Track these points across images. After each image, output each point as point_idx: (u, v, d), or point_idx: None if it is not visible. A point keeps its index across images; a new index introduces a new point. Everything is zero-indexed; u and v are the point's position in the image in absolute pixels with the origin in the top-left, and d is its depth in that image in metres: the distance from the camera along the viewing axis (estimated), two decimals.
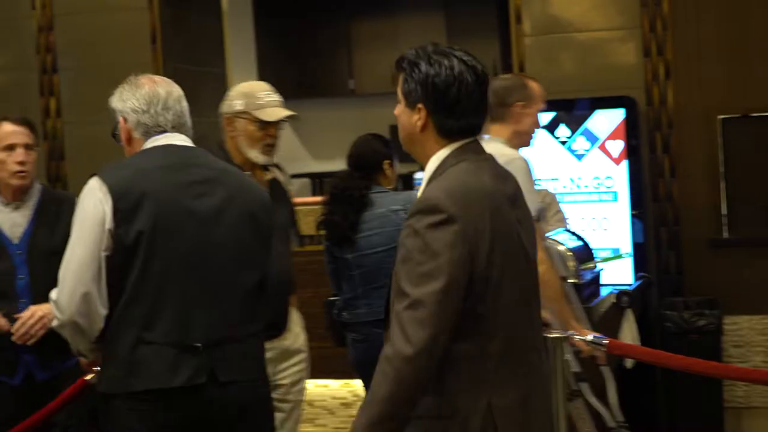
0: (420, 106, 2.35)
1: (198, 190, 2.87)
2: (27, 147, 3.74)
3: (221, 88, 7.10)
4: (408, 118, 2.39)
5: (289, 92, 9.43)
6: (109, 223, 2.75)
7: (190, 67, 6.43)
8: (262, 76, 9.06)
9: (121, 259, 2.75)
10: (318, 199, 6.83)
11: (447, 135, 2.33)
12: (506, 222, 2.30)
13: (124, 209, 2.76)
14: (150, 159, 2.88)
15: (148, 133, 2.93)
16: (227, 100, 3.77)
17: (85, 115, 6.16)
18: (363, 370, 4.37)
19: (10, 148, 3.70)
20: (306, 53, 9.39)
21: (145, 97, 2.96)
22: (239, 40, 8.92)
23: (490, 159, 2.40)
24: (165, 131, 2.93)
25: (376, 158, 4.26)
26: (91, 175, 2.87)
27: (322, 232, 4.37)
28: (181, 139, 2.97)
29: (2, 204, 3.74)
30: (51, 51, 6.17)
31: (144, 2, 6.03)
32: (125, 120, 2.96)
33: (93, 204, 2.77)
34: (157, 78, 3.07)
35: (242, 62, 9.00)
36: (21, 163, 3.69)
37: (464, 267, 2.21)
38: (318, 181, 9.37)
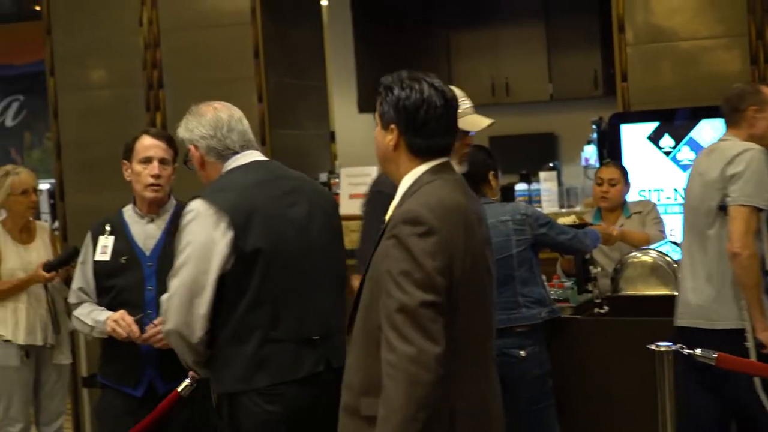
0: (393, 126, 2.51)
1: (289, 199, 3.14)
2: (162, 161, 3.77)
3: (322, 100, 7.20)
4: (382, 138, 2.55)
5: None
6: (225, 242, 2.96)
7: (292, 80, 6.52)
8: (361, 88, 9.13)
9: (241, 270, 2.98)
10: None
11: (418, 154, 2.51)
12: (476, 238, 2.48)
13: (239, 226, 2.97)
14: (244, 177, 3.11)
15: (222, 156, 3.16)
16: None
17: None
18: None
19: (147, 161, 3.76)
20: (405, 64, 9.34)
21: (210, 123, 3.17)
22: (339, 52, 9.00)
23: (461, 179, 2.58)
24: (236, 152, 3.16)
25: (482, 170, 4.30)
26: (191, 199, 3.03)
27: None
28: (258, 155, 3.21)
29: (138, 216, 3.81)
30: (157, 67, 6.32)
31: (247, 17, 6.13)
32: (196, 147, 3.17)
33: (204, 226, 2.97)
34: (217, 104, 3.25)
35: (342, 74, 9.08)
36: (155, 177, 3.74)
37: (446, 276, 2.38)
38: None
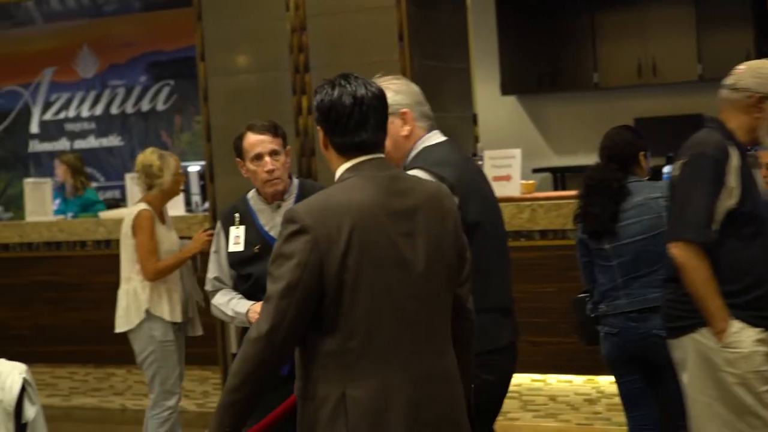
0: (319, 127, 2.71)
1: (483, 176, 3.41)
2: (273, 154, 3.84)
3: (465, 83, 7.20)
4: (319, 136, 2.74)
5: (530, 86, 9.54)
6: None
7: (436, 63, 6.54)
8: (504, 71, 9.09)
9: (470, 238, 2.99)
10: (560, 193, 6.80)
11: (341, 152, 2.66)
12: (379, 233, 2.58)
13: (463, 198, 3.06)
14: (451, 153, 3.21)
15: (428, 125, 3.23)
16: (760, 78, 3.57)
17: None
18: (614, 365, 4.34)
19: (258, 158, 3.83)
20: (549, 47, 9.34)
21: (417, 92, 3.23)
22: (481, 35, 8.98)
23: (388, 176, 2.65)
24: (432, 126, 3.25)
25: (631, 149, 4.29)
26: (409, 168, 3.09)
27: (577, 226, 4.38)
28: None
29: (264, 203, 3.90)
30: (303, 51, 6.42)
31: (392, 1, 6.16)
32: (411, 111, 3.18)
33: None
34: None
35: (485, 57, 9.06)
36: (269, 172, 3.82)
37: (312, 272, 2.53)
38: (560, 176, 9.30)
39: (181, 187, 5.54)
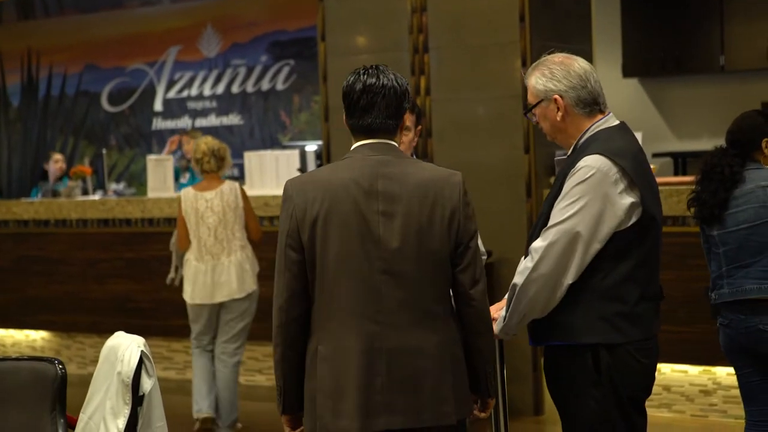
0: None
1: None
2: (404, 128, 3.90)
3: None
4: None
5: (653, 69, 9.32)
6: (626, 204, 3.06)
7: (557, 44, 6.40)
8: (626, 52, 8.91)
9: (635, 231, 3.08)
10: (681, 179, 6.64)
11: (352, 132, 3.00)
12: (351, 208, 2.86)
13: (642, 190, 3.09)
14: (626, 141, 3.16)
15: (591, 109, 3.17)
16: None
17: (453, 93, 6.35)
18: (730, 357, 4.23)
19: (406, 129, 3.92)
20: (673, 28, 9.11)
21: (579, 74, 3.18)
22: (604, 16, 8.81)
23: (379, 160, 2.91)
24: (602, 109, 3.19)
25: (753, 134, 4.13)
26: (593, 153, 3.06)
27: (691, 211, 4.27)
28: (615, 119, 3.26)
29: None
30: (423, 31, 6.40)
31: None
32: (561, 98, 3.16)
33: (604, 185, 3.05)
34: (571, 56, 3.26)
35: (607, 38, 8.88)
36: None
37: (293, 237, 2.90)
38: (681, 161, 9.08)
39: None
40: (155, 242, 7.58)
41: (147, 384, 2.99)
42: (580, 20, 6.78)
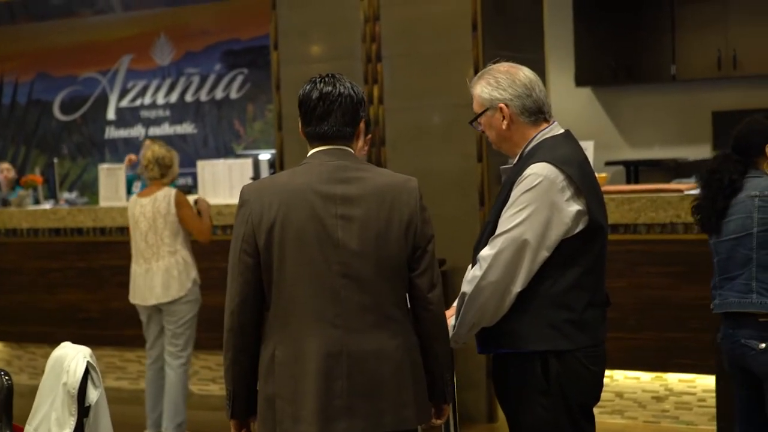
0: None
1: None
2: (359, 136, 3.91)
3: (539, 74, 7.08)
4: None
5: (605, 78, 9.39)
6: (573, 211, 3.07)
7: (510, 53, 6.44)
8: (579, 62, 8.98)
9: (581, 239, 3.10)
10: (632, 187, 6.69)
11: (308, 139, 3.02)
12: (307, 213, 2.88)
13: (588, 198, 3.10)
14: (570, 149, 3.18)
15: (535, 118, 3.18)
16: None
17: (406, 102, 6.35)
18: (729, 372, 4.10)
19: None
20: (625, 38, 9.19)
21: (524, 83, 3.19)
22: (557, 25, 8.87)
23: (337, 165, 2.94)
24: (546, 117, 3.20)
25: (755, 139, 3.95)
26: (540, 161, 3.08)
27: (696, 218, 4.12)
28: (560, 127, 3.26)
29: None
30: (376, 40, 6.40)
31: None
32: (507, 106, 3.17)
33: (551, 193, 3.06)
34: (514, 65, 3.26)
35: (560, 47, 8.94)
36: None
37: (248, 242, 2.91)
38: (633, 169, 9.16)
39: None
40: (107, 251, 7.52)
41: (93, 395, 2.96)
42: (533, 29, 6.82)
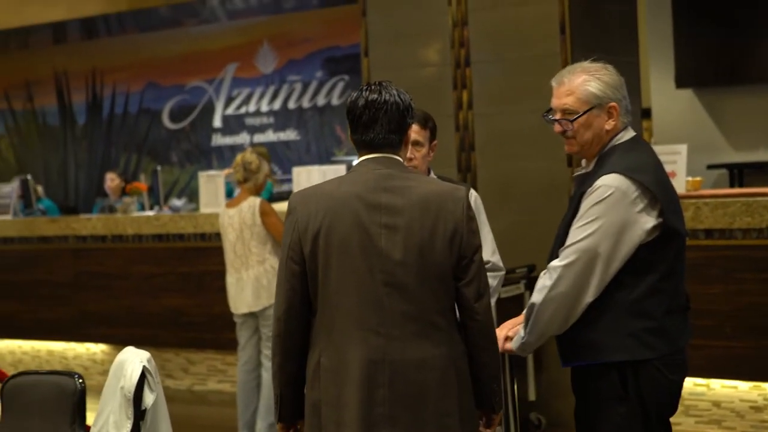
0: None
1: None
2: (415, 144, 3.93)
3: (634, 76, 6.99)
4: None
5: (707, 79, 9.17)
6: (648, 220, 3.03)
7: (601, 56, 6.35)
8: (679, 63, 8.80)
9: (658, 245, 3.06)
10: (729, 191, 6.52)
11: (358, 148, 3.02)
12: (352, 221, 2.89)
13: (664, 205, 3.06)
14: (647, 155, 3.14)
15: (628, 121, 3.14)
16: None
17: (495, 107, 6.33)
18: None
19: (414, 144, 3.93)
20: (728, 37, 8.97)
21: (621, 84, 3.13)
22: (657, 25, 8.73)
23: (383, 173, 2.93)
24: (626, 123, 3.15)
25: None
26: (610, 172, 3.01)
27: None
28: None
29: None
30: (464, 45, 6.39)
31: None
32: (618, 106, 3.10)
33: (623, 205, 3.03)
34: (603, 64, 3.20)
35: (659, 48, 8.79)
36: (407, 159, 3.89)
37: (294, 249, 2.94)
38: (737, 173, 8.92)
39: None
40: (207, 257, 7.68)
41: (149, 398, 3.03)
42: (626, 30, 6.72)
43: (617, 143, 3.11)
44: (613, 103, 3.05)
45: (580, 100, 3.08)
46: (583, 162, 3.23)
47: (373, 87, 3.01)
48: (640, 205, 3.00)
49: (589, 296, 3.02)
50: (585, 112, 3.07)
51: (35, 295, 8.56)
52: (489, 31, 6.33)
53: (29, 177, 9.77)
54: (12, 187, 9.46)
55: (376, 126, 2.97)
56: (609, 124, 3.07)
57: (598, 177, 3.04)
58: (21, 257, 8.70)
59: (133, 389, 3.01)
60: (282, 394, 3.00)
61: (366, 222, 2.90)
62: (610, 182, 3.00)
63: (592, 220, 3.01)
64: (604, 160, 3.10)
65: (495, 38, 6.31)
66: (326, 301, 2.93)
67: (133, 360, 3.10)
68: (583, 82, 3.09)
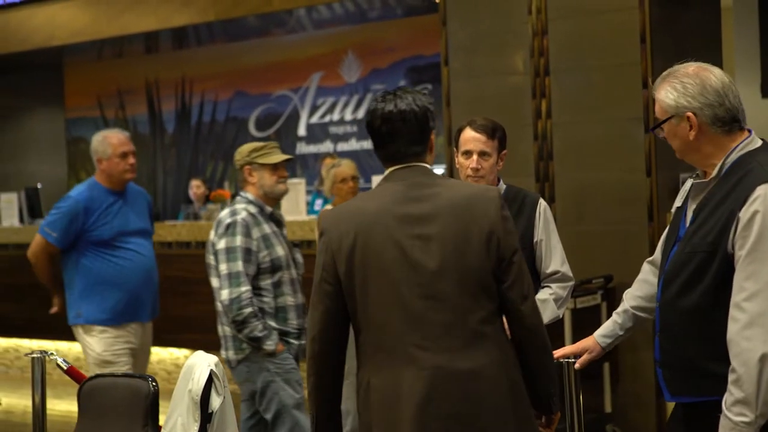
0: None
1: None
2: (482, 154, 3.96)
3: None
4: None
5: None
6: None
7: (707, 65, 6.29)
8: (765, 71, 8.63)
9: None
10: None
11: (383, 161, 2.96)
12: (384, 236, 2.83)
13: None
14: None
15: (729, 127, 2.85)
16: None
17: (573, 116, 6.30)
18: None
19: (468, 154, 3.98)
20: None
21: (717, 89, 2.85)
22: (743, 33, 8.58)
23: (410, 183, 2.86)
24: (742, 126, 2.88)
25: None
26: (757, 183, 2.72)
27: None
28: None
29: None
30: (544, 54, 6.38)
31: (635, 2, 6.02)
32: (695, 115, 2.83)
33: None
34: (707, 66, 2.93)
35: (744, 56, 8.63)
36: (474, 170, 3.95)
37: (329, 271, 2.87)
38: None
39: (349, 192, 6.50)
40: None
41: (216, 402, 3.09)
42: (709, 38, 6.62)
43: (748, 150, 2.85)
44: (688, 113, 2.83)
45: (661, 109, 2.92)
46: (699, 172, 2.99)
47: (387, 97, 2.93)
48: None
49: None
50: (663, 122, 2.91)
51: None
52: (569, 40, 6.30)
53: None
54: None
55: (397, 138, 2.91)
56: (692, 134, 2.84)
57: (745, 186, 2.74)
58: None
59: (200, 392, 3.07)
60: (317, 414, 2.94)
61: (398, 235, 2.83)
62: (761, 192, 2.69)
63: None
64: (742, 168, 2.80)
65: (574, 47, 6.28)
66: (368, 320, 2.86)
67: (202, 364, 3.16)
68: (663, 90, 2.91)
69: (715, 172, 2.86)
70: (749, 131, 2.90)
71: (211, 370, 3.12)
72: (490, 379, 2.82)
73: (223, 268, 4.72)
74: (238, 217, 4.76)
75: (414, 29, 11.32)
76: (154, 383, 3.24)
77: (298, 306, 4.84)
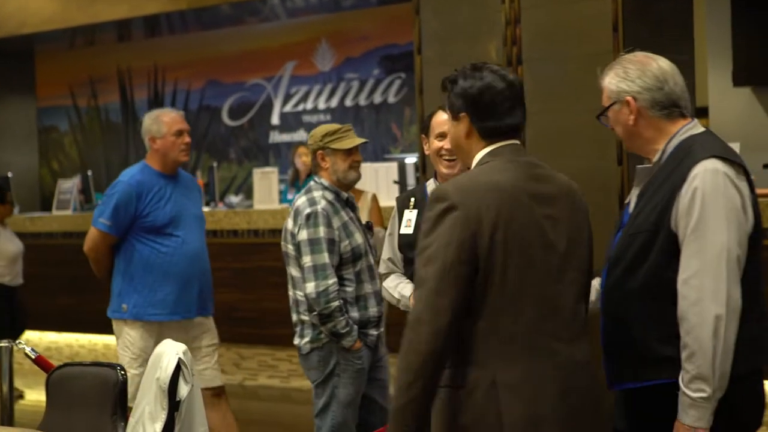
0: (462, 114, 2.71)
1: None
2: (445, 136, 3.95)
3: (689, 74, 6.89)
4: (454, 128, 2.75)
5: (765, 77, 9.00)
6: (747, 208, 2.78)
7: (654, 54, 6.31)
8: (737, 60, 8.67)
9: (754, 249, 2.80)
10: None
11: (486, 137, 2.68)
12: (524, 214, 2.57)
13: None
14: (723, 142, 2.87)
15: (669, 112, 2.89)
16: None
17: (546, 105, 6.29)
18: None
19: (442, 136, 3.95)
20: None
21: (656, 74, 2.94)
22: (714, 22, 8.61)
23: (526, 161, 2.68)
24: (683, 113, 2.92)
25: None
26: (707, 158, 2.76)
27: None
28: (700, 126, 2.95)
29: None
30: (516, 44, 6.37)
31: None
32: (634, 99, 2.90)
33: (733, 190, 2.75)
34: (652, 55, 3.03)
35: (716, 46, 8.67)
36: (449, 150, 3.93)
37: (465, 249, 2.51)
38: None
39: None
40: (260, 252, 7.76)
41: (184, 390, 3.07)
42: (682, 28, 6.63)
43: (690, 134, 2.90)
44: (627, 97, 2.90)
45: (606, 96, 2.99)
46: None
47: (491, 68, 2.73)
48: (746, 192, 2.79)
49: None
50: (607, 108, 2.97)
51: (90, 290, 8.70)
52: (541, 29, 6.28)
53: (90, 173, 9.94)
54: (73, 183, 9.63)
55: (517, 110, 2.72)
56: (631, 119, 2.90)
57: (685, 166, 2.79)
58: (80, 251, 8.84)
59: (168, 380, 3.05)
60: (417, 427, 2.51)
61: (536, 214, 2.61)
62: (711, 166, 2.74)
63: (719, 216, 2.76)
64: (684, 150, 2.86)
65: (547, 36, 6.26)
66: (501, 307, 2.55)
67: (170, 352, 3.14)
68: (607, 78, 3.01)
69: (656, 157, 2.91)
70: (692, 118, 2.95)
71: (180, 358, 3.10)
72: (593, 369, 2.71)
73: (308, 260, 4.54)
74: (319, 207, 4.59)
75: (388, 18, 11.30)
76: (122, 372, 3.21)
77: (376, 293, 4.67)
